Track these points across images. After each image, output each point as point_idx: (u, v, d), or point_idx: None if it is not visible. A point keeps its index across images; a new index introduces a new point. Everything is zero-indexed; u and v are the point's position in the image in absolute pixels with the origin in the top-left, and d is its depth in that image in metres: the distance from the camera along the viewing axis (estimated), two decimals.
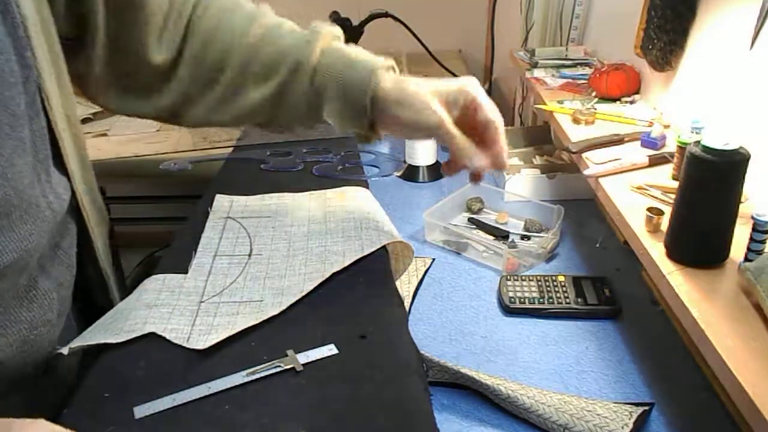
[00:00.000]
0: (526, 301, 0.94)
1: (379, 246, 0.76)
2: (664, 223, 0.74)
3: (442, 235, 1.13)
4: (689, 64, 1.01)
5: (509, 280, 0.98)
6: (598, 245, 1.10)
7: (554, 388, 0.78)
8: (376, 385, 0.56)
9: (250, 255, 0.75)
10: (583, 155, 0.97)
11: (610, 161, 0.93)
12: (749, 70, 0.84)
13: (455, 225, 1.15)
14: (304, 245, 0.76)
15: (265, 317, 0.64)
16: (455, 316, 0.94)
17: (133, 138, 1.50)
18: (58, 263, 0.56)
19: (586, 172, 0.93)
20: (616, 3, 1.34)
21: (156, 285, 0.69)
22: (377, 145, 1.29)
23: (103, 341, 0.60)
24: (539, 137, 1.45)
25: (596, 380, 0.81)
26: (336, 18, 1.65)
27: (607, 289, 0.95)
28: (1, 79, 0.47)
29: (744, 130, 0.82)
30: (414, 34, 1.90)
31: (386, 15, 1.59)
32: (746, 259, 0.68)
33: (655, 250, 0.73)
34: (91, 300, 0.65)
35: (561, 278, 0.98)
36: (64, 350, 0.59)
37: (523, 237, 1.10)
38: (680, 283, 0.67)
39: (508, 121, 1.91)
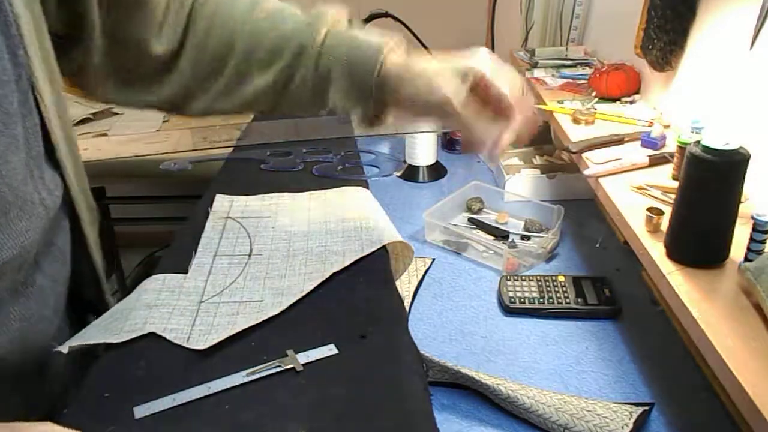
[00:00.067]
0: (526, 301, 0.94)
1: (379, 246, 0.76)
2: (664, 223, 0.74)
3: (442, 235, 1.13)
4: (689, 64, 1.01)
5: (509, 280, 0.98)
6: (598, 245, 1.10)
7: (554, 388, 0.78)
8: (376, 385, 0.56)
9: (250, 255, 0.75)
10: (583, 155, 0.97)
11: (610, 161, 0.93)
12: (749, 70, 0.84)
13: (455, 225, 1.15)
14: (304, 245, 0.76)
15: (265, 317, 0.64)
16: (455, 316, 0.94)
17: (133, 138, 1.50)
18: (52, 260, 0.56)
19: (586, 172, 0.93)
20: (616, 3, 1.34)
21: (156, 285, 0.69)
22: (377, 145, 1.29)
23: (103, 341, 0.60)
24: (539, 137, 1.45)
25: (596, 380, 0.81)
26: None
27: (607, 289, 0.95)
28: None
29: (744, 130, 0.82)
30: (414, 34, 1.89)
31: (386, 15, 1.59)
32: (746, 259, 0.68)
33: (655, 250, 0.73)
34: (81, 295, 0.65)
35: (561, 278, 0.98)
36: (64, 349, 0.59)
37: (523, 237, 1.10)
38: (680, 283, 0.67)
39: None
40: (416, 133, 1.32)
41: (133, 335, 0.61)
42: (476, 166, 1.43)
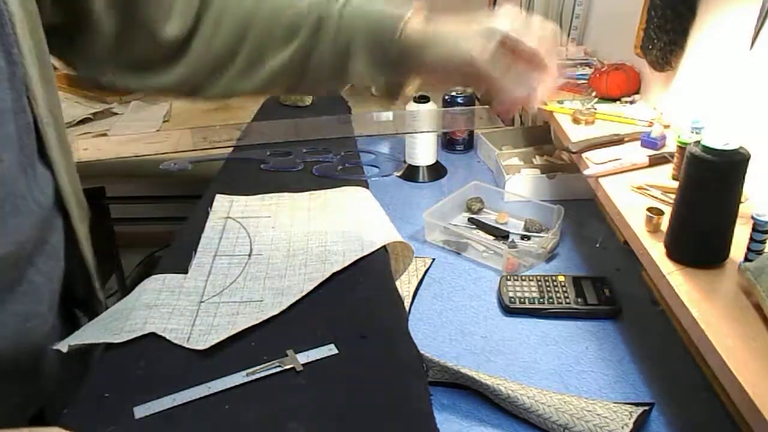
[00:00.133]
0: (526, 301, 0.94)
1: (379, 246, 0.76)
2: (664, 223, 0.74)
3: (442, 235, 1.13)
4: (689, 64, 1.01)
5: (509, 280, 0.98)
6: (598, 245, 1.10)
7: (554, 388, 0.78)
8: (376, 386, 0.56)
9: (250, 255, 0.75)
10: (583, 155, 0.97)
11: (610, 161, 0.93)
12: (749, 70, 0.84)
13: (455, 225, 1.15)
14: (304, 245, 0.76)
15: (265, 317, 0.64)
16: (455, 316, 0.94)
17: (133, 138, 1.50)
18: (46, 257, 0.57)
19: (586, 172, 0.93)
20: (616, 3, 1.34)
21: (156, 285, 0.69)
22: (377, 145, 1.29)
23: (103, 341, 0.61)
24: (539, 137, 1.45)
25: (596, 380, 0.81)
26: None
27: (607, 289, 0.95)
28: None
29: (744, 130, 0.82)
30: None
31: None
32: (746, 259, 0.68)
33: (655, 250, 0.73)
34: (73, 293, 0.65)
35: (561, 278, 0.98)
36: (63, 348, 0.59)
37: (523, 237, 1.10)
38: (680, 283, 0.67)
39: (508, 121, 1.91)
40: (416, 133, 1.32)
41: (133, 335, 0.61)
42: (476, 166, 1.43)
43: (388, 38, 0.62)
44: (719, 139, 0.64)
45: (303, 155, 1.04)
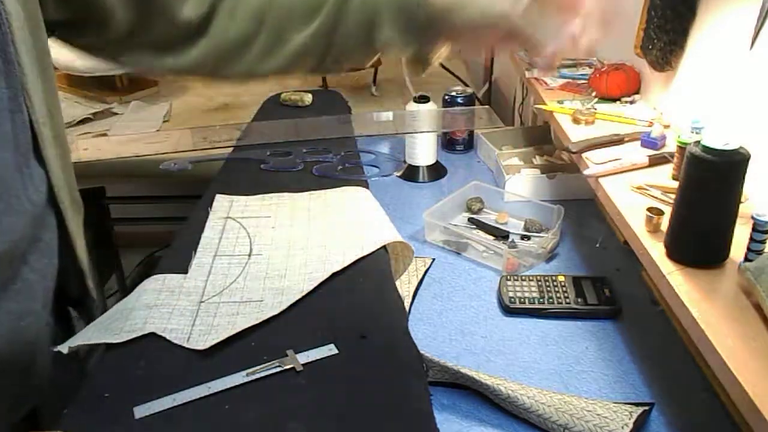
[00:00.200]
0: (526, 301, 0.94)
1: (379, 246, 0.76)
2: (664, 223, 0.74)
3: (442, 235, 1.13)
4: (689, 64, 1.01)
5: (509, 280, 0.98)
6: (598, 245, 1.10)
7: (554, 388, 0.78)
8: (376, 385, 0.56)
9: (250, 255, 0.75)
10: (583, 155, 0.97)
11: (610, 161, 0.93)
12: (749, 70, 0.84)
13: (455, 225, 1.15)
14: (304, 245, 0.76)
15: (265, 317, 0.64)
16: (455, 316, 0.94)
17: (133, 138, 1.50)
18: (40, 255, 0.57)
19: (586, 172, 0.93)
20: (616, 3, 1.34)
21: (156, 285, 0.69)
22: (377, 145, 1.29)
23: (103, 341, 0.61)
24: (539, 137, 1.45)
25: (596, 380, 0.81)
26: None
27: (607, 289, 0.95)
28: None
29: (744, 130, 0.82)
30: None
31: None
32: (746, 259, 0.68)
33: (655, 250, 0.73)
34: (66, 291, 0.65)
35: (561, 278, 0.98)
36: (64, 349, 0.59)
37: (523, 237, 1.10)
38: (680, 283, 0.67)
39: (508, 121, 1.91)
40: (416, 133, 1.32)
41: (133, 335, 0.61)
42: (476, 166, 1.43)
43: (414, 3, 0.60)
44: (719, 139, 0.64)
45: (303, 155, 1.04)
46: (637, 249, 0.77)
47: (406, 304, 0.95)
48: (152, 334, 0.61)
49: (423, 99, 1.35)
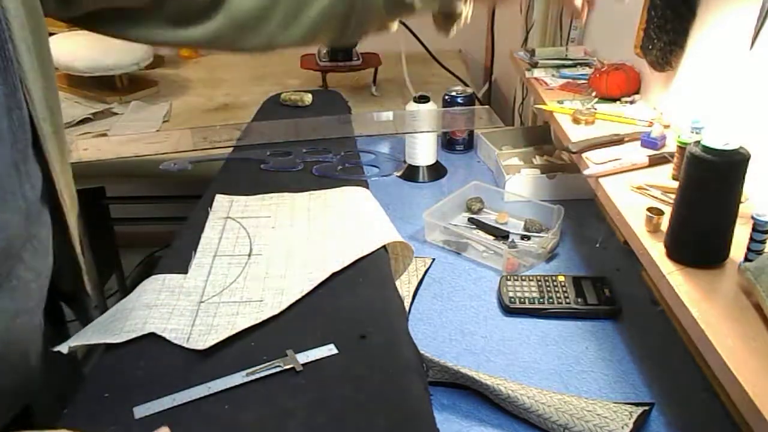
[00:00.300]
0: (526, 301, 0.94)
1: (379, 246, 0.76)
2: (664, 223, 0.74)
3: (442, 235, 1.13)
4: (689, 64, 1.01)
5: (509, 280, 0.98)
6: (598, 245, 1.10)
7: (554, 388, 0.78)
8: (376, 385, 0.56)
9: (250, 255, 0.75)
10: (583, 155, 0.97)
11: (610, 161, 0.93)
12: (749, 70, 0.84)
13: (455, 225, 1.15)
14: (304, 245, 0.76)
15: (265, 317, 0.64)
16: (455, 316, 0.94)
17: (133, 138, 1.50)
18: (35, 253, 0.57)
19: (586, 172, 0.93)
20: (616, 3, 1.34)
21: (156, 285, 0.69)
22: (377, 145, 1.29)
23: (103, 341, 0.61)
24: (539, 137, 1.45)
25: (596, 380, 0.81)
26: None
27: (607, 289, 0.95)
28: None
29: (744, 130, 0.82)
30: (414, 34, 1.89)
31: None
32: (746, 259, 0.68)
33: (655, 250, 0.73)
34: (59, 287, 0.65)
35: (561, 278, 0.98)
36: (64, 349, 0.59)
37: (523, 237, 1.10)
38: (680, 283, 0.67)
39: (508, 121, 1.91)
40: (416, 133, 1.32)
41: (133, 335, 0.61)
42: (476, 166, 1.43)
43: None
44: (719, 139, 0.64)
45: (303, 155, 1.04)
46: (637, 249, 0.77)
47: (406, 304, 0.95)
48: (152, 334, 0.61)
49: (423, 99, 1.35)
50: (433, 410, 0.56)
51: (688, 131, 0.86)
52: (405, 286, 0.99)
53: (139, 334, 0.61)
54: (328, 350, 0.59)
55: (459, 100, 1.41)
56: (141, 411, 0.53)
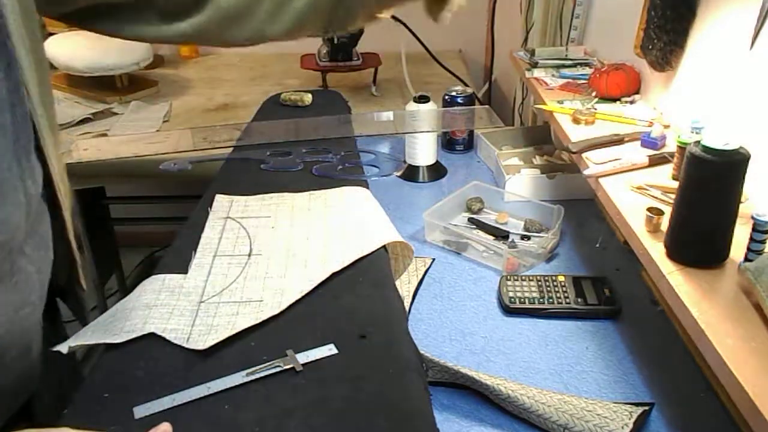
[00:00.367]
0: (526, 301, 0.94)
1: (379, 246, 0.76)
2: (664, 223, 0.74)
3: (442, 235, 1.13)
4: (689, 64, 1.01)
5: (509, 280, 0.98)
6: (598, 245, 1.10)
7: (554, 388, 0.78)
8: (376, 385, 0.56)
9: (249, 255, 0.75)
10: (583, 155, 0.97)
11: (610, 161, 0.93)
12: (749, 70, 0.84)
13: (455, 225, 1.15)
14: (304, 245, 0.76)
15: (265, 317, 0.64)
16: (455, 316, 0.94)
17: (133, 138, 1.50)
18: (36, 247, 0.57)
19: (586, 172, 0.93)
20: (616, 3, 1.34)
21: (156, 285, 0.69)
22: (377, 145, 1.29)
23: (102, 341, 0.61)
24: (539, 137, 1.45)
25: (596, 380, 0.81)
26: None
27: (607, 289, 0.95)
28: None
29: (744, 130, 0.82)
30: (414, 34, 1.89)
31: None
32: (746, 259, 0.68)
33: (655, 250, 0.73)
34: (55, 280, 0.65)
35: (561, 278, 0.98)
36: (63, 349, 0.59)
37: (523, 237, 1.10)
38: (680, 283, 0.67)
39: (508, 121, 1.91)
40: (416, 133, 1.32)
41: (133, 335, 0.61)
42: (476, 166, 1.43)
43: None
44: (719, 139, 0.64)
45: (303, 155, 1.04)
46: (637, 249, 0.77)
47: (406, 304, 0.95)
48: (152, 334, 0.61)
49: (423, 99, 1.35)
50: (433, 410, 0.57)
51: (688, 131, 0.87)
52: (405, 286, 0.99)
53: (139, 334, 0.61)
54: (328, 350, 0.59)
55: (459, 100, 1.41)
56: (141, 411, 0.53)
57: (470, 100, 1.41)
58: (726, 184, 0.66)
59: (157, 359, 0.59)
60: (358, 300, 0.67)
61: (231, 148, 1.11)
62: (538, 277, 0.98)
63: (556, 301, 0.93)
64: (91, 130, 1.57)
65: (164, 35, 0.67)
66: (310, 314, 0.65)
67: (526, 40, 1.71)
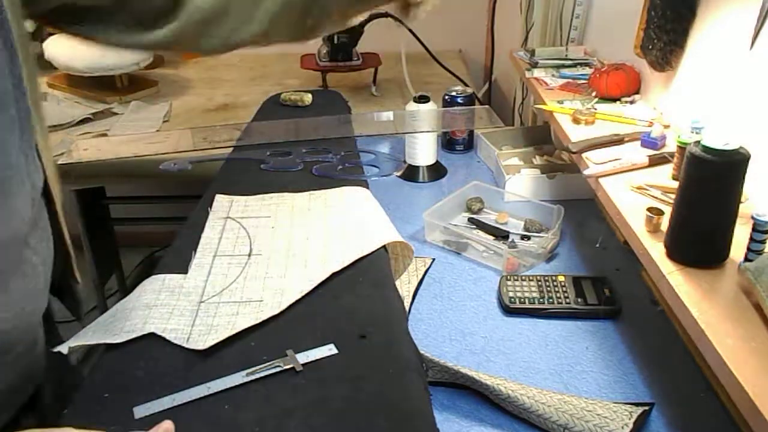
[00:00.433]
0: (526, 301, 0.94)
1: (379, 246, 0.76)
2: (664, 223, 0.74)
3: (442, 235, 1.13)
4: (689, 64, 1.01)
5: (509, 280, 0.98)
6: (598, 245, 1.10)
7: (554, 388, 0.78)
8: (376, 385, 0.56)
9: (249, 255, 0.75)
10: (583, 155, 0.97)
11: (610, 161, 0.93)
12: (749, 70, 0.84)
13: (455, 225, 1.15)
14: (304, 245, 0.76)
15: (265, 317, 0.64)
16: (455, 316, 0.94)
17: (133, 138, 1.50)
18: (39, 238, 0.58)
19: (586, 172, 0.93)
20: (616, 3, 1.34)
21: (156, 285, 0.69)
22: (377, 145, 1.29)
23: (103, 341, 0.61)
24: (539, 137, 1.45)
25: (596, 380, 0.81)
26: None
27: (607, 289, 0.95)
28: None
29: (744, 130, 0.82)
30: (414, 34, 1.90)
31: (386, 15, 1.59)
32: (746, 259, 0.68)
33: (655, 250, 0.73)
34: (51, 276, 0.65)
35: (561, 278, 0.98)
36: (64, 349, 0.59)
37: (523, 237, 1.10)
38: (680, 283, 0.67)
39: (508, 121, 1.91)
40: (416, 133, 1.32)
41: (133, 335, 0.61)
42: (476, 166, 1.43)
43: None
44: (719, 139, 0.64)
45: (303, 155, 1.04)
46: (637, 249, 0.77)
47: (406, 304, 0.95)
48: (152, 335, 0.61)
49: (423, 99, 1.35)
50: (433, 410, 0.57)
51: (688, 131, 0.87)
52: (405, 286, 0.99)
53: (139, 334, 0.61)
54: (328, 350, 0.60)
55: (459, 100, 1.41)
56: (141, 411, 0.53)
57: (470, 100, 1.41)
58: (726, 184, 0.66)
59: (157, 359, 0.59)
60: (358, 300, 0.67)
61: (231, 148, 1.11)
62: (538, 277, 0.98)
63: (556, 301, 0.93)
64: (91, 130, 1.57)
65: (140, 43, 0.67)
66: (310, 314, 0.65)
67: (526, 40, 1.71)
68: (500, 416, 0.76)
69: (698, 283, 0.67)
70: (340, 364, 0.58)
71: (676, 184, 0.72)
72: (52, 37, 1.67)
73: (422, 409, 0.55)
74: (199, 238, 0.78)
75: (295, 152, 1.05)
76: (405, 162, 1.38)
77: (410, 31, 1.87)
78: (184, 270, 0.72)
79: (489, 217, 1.19)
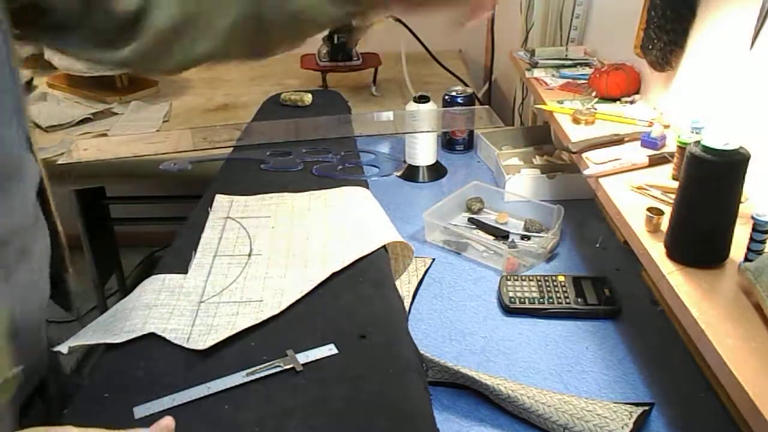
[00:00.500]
0: (526, 301, 0.94)
1: (379, 246, 0.76)
2: (664, 223, 0.74)
3: (442, 235, 1.13)
4: (689, 64, 1.01)
5: (509, 280, 0.98)
6: (598, 245, 1.10)
7: (554, 388, 0.78)
8: (376, 385, 0.56)
9: (250, 255, 0.75)
10: (583, 155, 0.97)
11: (610, 161, 0.93)
12: (749, 70, 0.84)
13: (455, 225, 1.15)
14: (304, 245, 0.76)
15: (265, 317, 0.64)
16: (455, 316, 0.94)
17: (133, 138, 1.50)
18: (41, 227, 0.58)
19: (586, 172, 0.93)
20: (616, 3, 1.34)
21: (156, 285, 0.69)
22: (377, 145, 1.29)
23: (102, 341, 0.61)
24: (539, 137, 1.45)
25: (596, 380, 0.81)
26: None
27: (607, 289, 0.95)
28: None
29: (744, 130, 0.82)
30: (414, 34, 1.90)
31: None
32: (746, 259, 0.68)
33: (655, 250, 0.73)
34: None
35: (561, 278, 0.98)
36: (64, 349, 0.59)
37: (523, 237, 1.10)
38: (680, 283, 0.67)
39: (508, 121, 1.91)
40: (416, 133, 1.32)
41: (133, 335, 0.61)
42: (476, 166, 1.43)
43: None
44: (719, 139, 0.64)
45: (303, 155, 1.04)
46: (637, 249, 0.77)
47: (406, 304, 0.95)
48: (152, 335, 0.61)
49: (423, 99, 1.35)
50: (433, 410, 0.56)
51: (688, 131, 0.87)
52: (405, 286, 0.99)
53: (139, 334, 0.61)
54: (328, 350, 0.60)
55: (459, 100, 1.41)
56: (141, 411, 0.53)
57: (470, 100, 1.41)
58: (726, 184, 0.66)
59: (157, 359, 0.59)
60: (358, 300, 0.67)
61: (231, 148, 1.11)
62: (538, 277, 0.98)
63: (556, 301, 0.93)
64: (91, 130, 1.57)
65: (109, 60, 0.67)
66: (310, 314, 0.65)
67: (526, 40, 1.71)
68: (500, 416, 0.76)
69: (698, 283, 0.67)
70: (340, 364, 0.58)
71: (676, 184, 0.72)
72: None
73: (422, 409, 0.55)
74: (199, 238, 0.78)
75: (295, 152, 1.05)
76: (405, 162, 1.38)
77: (410, 31, 1.87)
78: (184, 270, 0.72)
79: (489, 217, 1.19)
